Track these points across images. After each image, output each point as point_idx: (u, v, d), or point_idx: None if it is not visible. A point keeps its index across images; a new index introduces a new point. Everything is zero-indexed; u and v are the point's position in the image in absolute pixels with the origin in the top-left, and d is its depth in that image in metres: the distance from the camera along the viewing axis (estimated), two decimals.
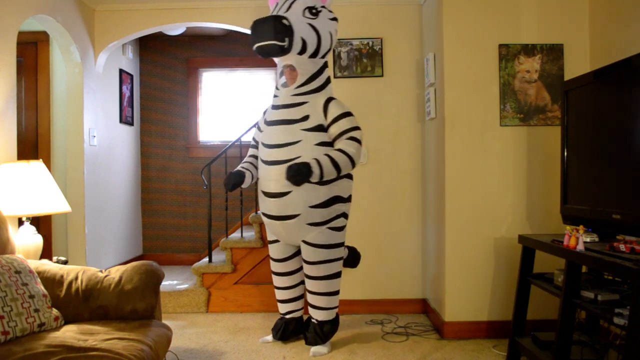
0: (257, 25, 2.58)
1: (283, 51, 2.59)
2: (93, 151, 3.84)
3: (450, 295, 3.07)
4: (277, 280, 2.99)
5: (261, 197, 2.82)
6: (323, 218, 2.74)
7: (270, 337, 3.02)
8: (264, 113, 2.95)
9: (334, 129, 2.69)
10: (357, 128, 2.69)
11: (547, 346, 2.35)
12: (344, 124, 2.68)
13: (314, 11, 2.68)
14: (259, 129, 2.96)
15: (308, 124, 2.69)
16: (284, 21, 2.54)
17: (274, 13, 2.68)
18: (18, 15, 2.84)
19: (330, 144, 2.73)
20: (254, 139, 3.03)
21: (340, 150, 2.64)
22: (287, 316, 3.01)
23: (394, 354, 2.84)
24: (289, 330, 2.99)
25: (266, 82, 5.03)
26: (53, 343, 1.82)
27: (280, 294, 3.01)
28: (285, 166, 2.62)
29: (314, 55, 2.69)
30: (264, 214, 2.84)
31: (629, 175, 2.03)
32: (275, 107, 2.79)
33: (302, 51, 2.64)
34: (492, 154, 3.06)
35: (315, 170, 2.55)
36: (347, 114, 2.70)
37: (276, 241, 2.92)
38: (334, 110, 2.69)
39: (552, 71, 3.04)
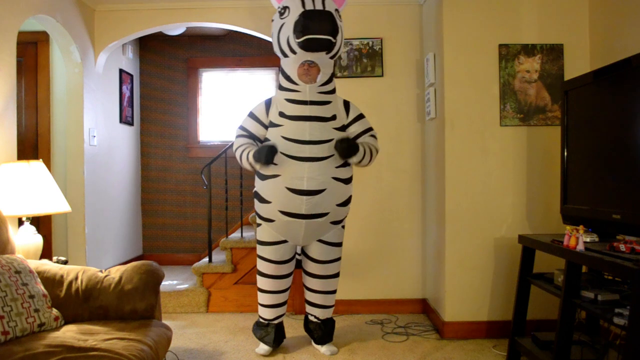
0: (316, 16, 2.52)
1: (331, 48, 2.60)
2: (93, 151, 3.84)
3: (450, 295, 3.07)
4: (274, 284, 2.80)
5: (282, 194, 2.61)
6: (342, 216, 2.79)
7: (265, 347, 2.85)
8: (268, 106, 2.74)
9: (357, 127, 2.79)
10: (372, 128, 2.87)
11: (547, 346, 2.35)
12: (365, 123, 2.83)
13: (339, 14, 2.69)
14: (260, 122, 2.73)
15: (336, 123, 2.71)
16: (335, 18, 2.58)
17: (312, 7, 2.55)
18: (18, 15, 2.84)
19: None
20: (246, 129, 2.75)
21: (372, 145, 2.78)
22: (275, 322, 2.87)
23: (394, 354, 2.84)
24: (281, 334, 2.92)
25: (266, 82, 5.04)
26: (53, 343, 1.82)
27: (274, 299, 2.83)
28: (322, 162, 2.62)
29: (334, 56, 2.70)
30: (284, 212, 2.64)
31: (628, 175, 2.03)
32: (297, 101, 2.65)
33: (330, 50, 2.63)
34: (492, 154, 3.06)
35: (360, 150, 2.66)
36: (364, 115, 2.86)
37: (282, 242, 2.75)
38: (354, 111, 2.81)
39: (552, 71, 3.04)
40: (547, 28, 3.05)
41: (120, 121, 4.46)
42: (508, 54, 3.04)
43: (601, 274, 2.29)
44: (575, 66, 3.02)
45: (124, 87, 4.54)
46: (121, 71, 4.48)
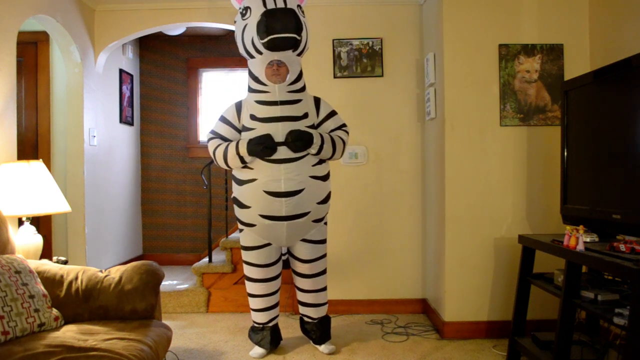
0: (278, 15, 2.48)
1: (297, 46, 2.58)
2: (93, 151, 3.84)
3: (450, 295, 3.07)
4: (264, 288, 2.79)
5: (261, 198, 2.60)
6: (323, 214, 2.77)
7: (260, 351, 2.83)
8: (239, 109, 2.71)
9: (330, 124, 2.77)
10: (346, 124, 2.85)
11: (547, 346, 2.35)
12: (338, 120, 2.81)
13: (302, 10, 2.67)
14: (232, 126, 2.71)
15: (309, 121, 2.69)
16: (298, 15, 2.55)
17: (274, 5, 2.52)
18: (18, 15, 2.84)
19: None
20: (218, 134, 2.74)
21: (338, 136, 2.75)
22: (270, 324, 2.86)
23: (394, 354, 2.84)
24: (277, 336, 2.90)
25: None
26: (53, 343, 1.82)
27: (265, 302, 2.81)
28: (299, 162, 2.59)
29: (300, 53, 2.68)
30: (264, 216, 2.62)
31: (629, 175, 2.03)
32: (267, 102, 2.62)
33: (296, 48, 2.61)
34: (492, 154, 3.06)
35: (317, 140, 2.62)
36: (336, 112, 2.83)
37: (266, 245, 2.74)
38: (326, 108, 2.78)
39: (552, 71, 3.04)
40: (547, 28, 3.05)
41: (120, 121, 4.46)
42: (508, 54, 3.04)
43: (601, 274, 2.29)
44: (575, 66, 3.02)
45: (124, 87, 4.54)
46: (121, 71, 4.48)
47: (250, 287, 2.83)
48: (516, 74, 3.04)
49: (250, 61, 2.68)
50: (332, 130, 2.76)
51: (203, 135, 5.09)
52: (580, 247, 2.08)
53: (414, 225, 3.64)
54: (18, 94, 3.80)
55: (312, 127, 2.71)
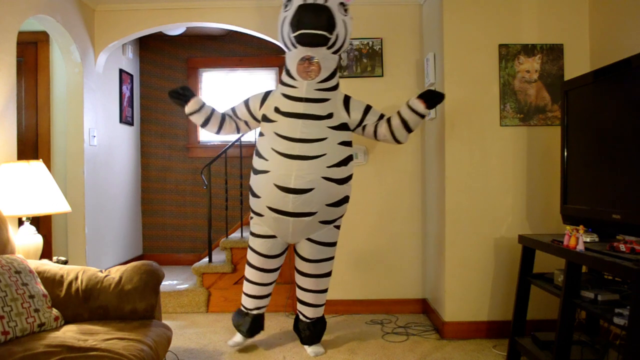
0: (310, 11, 2.51)
1: (326, 44, 2.58)
2: (93, 151, 3.84)
3: (450, 295, 3.07)
4: (259, 277, 2.83)
5: (270, 190, 2.61)
6: (333, 216, 2.75)
7: (239, 338, 2.90)
8: (264, 98, 2.77)
9: (372, 117, 2.74)
10: (384, 114, 2.80)
11: (547, 346, 2.36)
12: (376, 111, 2.77)
13: (345, 8, 2.66)
14: (249, 111, 2.81)
15: (333, 122, 2.67)
16: (332, 13, 2.55)
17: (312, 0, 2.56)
18: (18, 15, 2.84)
19: (349, 143, 2.73)
20: (234, 110, 2.89)
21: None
22: (254, 312, 2.90)
23: (394, 354, 2.84)
24: (257, 326, 2.94)
25: (266, 82, 5.03)
26: (53, 343, 1.82)
27: (256, 290, 2.86)
28: (312, 162, 2.58)
29: (336, 51, 2.68)
30: (271, 209, 2.64)
31: (628, 175, 2.03)
32: (292, 98, 2.63)
33: (331, 46, 2.61)
34: (492, 154, 3.06)
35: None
36: (370, 105, 2.78)
37: (272, 237, 2.76)
38: (359, 105, 2.75)
39: (552, 71, 3.04)
40: (547, 28, 3.05)
41: (120, 121, 4.46)
42: (508, 54, 3.04)
43: (601, 274, 2.29)
44: (575, 66, 3.02)
45: (124, 87, 4.54)
46: (121, 71, 4.48)
47: (248, 271, 2.87)
48: (516, 74, 3.04)
49: (287, 53, 2.72)
50: (377, 120, 2.73)
51: (203, 135, 5.09)
52: (580, 247, 2.08)
53: (414, 225, 3.64)
54: (18, 94, 3.80)
55: (339, 127, 2.68)
